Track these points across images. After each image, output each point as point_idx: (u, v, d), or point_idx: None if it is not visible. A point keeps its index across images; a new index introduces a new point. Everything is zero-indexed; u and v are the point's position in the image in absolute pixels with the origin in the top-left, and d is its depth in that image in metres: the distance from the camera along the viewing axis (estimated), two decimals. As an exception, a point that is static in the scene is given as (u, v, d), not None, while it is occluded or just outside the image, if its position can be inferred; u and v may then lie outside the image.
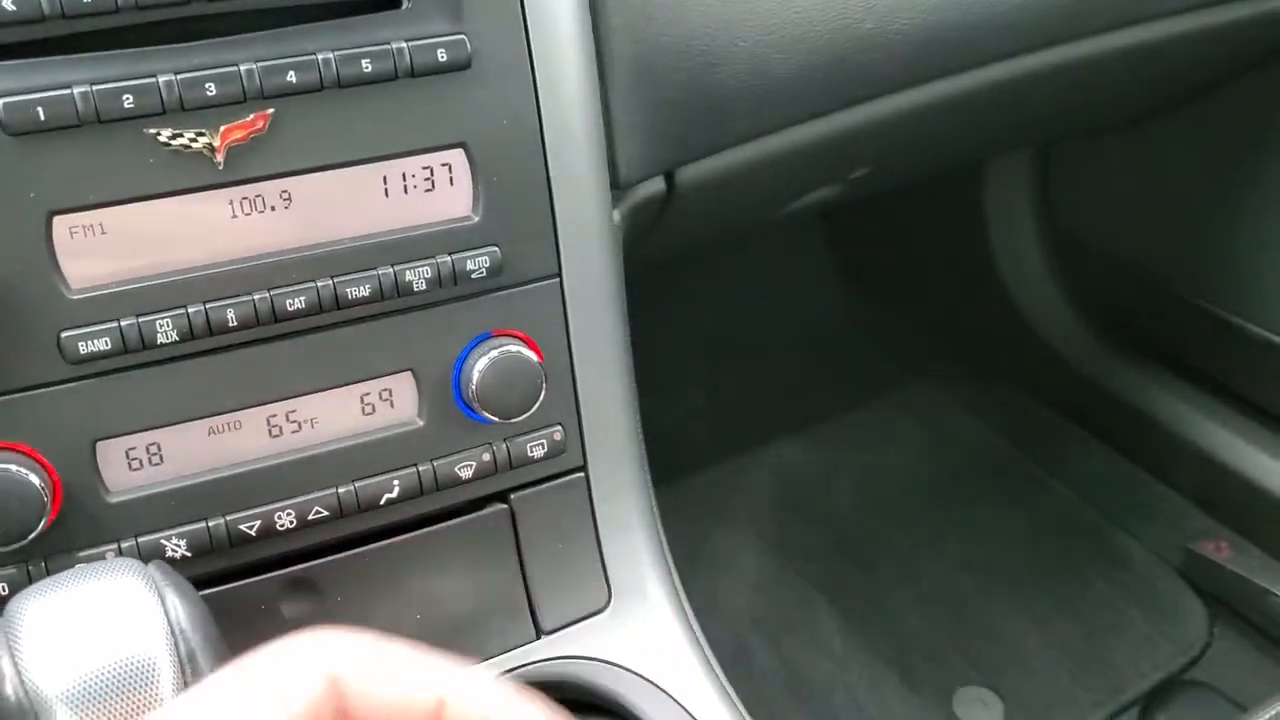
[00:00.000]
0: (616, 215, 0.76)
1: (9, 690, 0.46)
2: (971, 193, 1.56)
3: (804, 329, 1.80)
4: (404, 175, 0.62)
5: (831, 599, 1.46)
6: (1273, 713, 0.92)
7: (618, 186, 0.75)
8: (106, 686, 0.45)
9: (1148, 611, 1.45)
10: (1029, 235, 1.56)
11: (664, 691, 0.68)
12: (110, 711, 0.45)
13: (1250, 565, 1.41)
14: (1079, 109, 1.13)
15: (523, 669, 0.68)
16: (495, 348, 0.65)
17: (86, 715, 0.45)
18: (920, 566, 1.51)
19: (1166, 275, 1.45)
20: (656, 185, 0.81)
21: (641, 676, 0.68)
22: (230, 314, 0.59)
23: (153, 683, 0.46)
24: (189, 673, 0.47)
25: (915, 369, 1.75)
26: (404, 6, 0.60)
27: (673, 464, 1.62)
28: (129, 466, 0.60)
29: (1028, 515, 1.57)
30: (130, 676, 0.46)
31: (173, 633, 0.48)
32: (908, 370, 1.75)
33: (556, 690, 0.68)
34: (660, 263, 1.42)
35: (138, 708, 0.46)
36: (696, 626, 0.76)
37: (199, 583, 0.59)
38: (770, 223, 1.29)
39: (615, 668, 0.68)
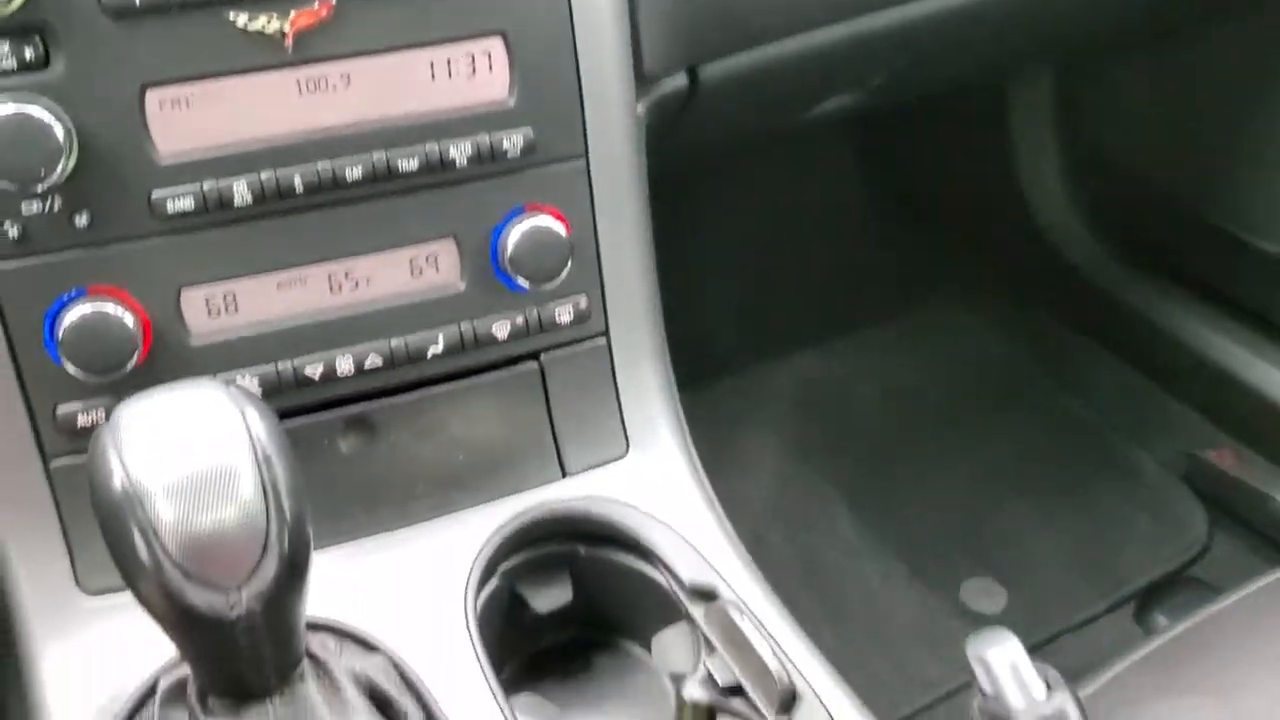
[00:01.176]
0: (640, 107, 0.83)
1: (118, 484, 0.54)
2: (996, 114, 1.61)
3: (831, 242, 1.86)
4: (449, 61, 0.70)
5: (848, 497, 1.54)
6: (1247, 591, 0.98)
7: (642, 79, 0.83)
8: (198, 482, 0.54)
9: (1151, 515, 1.52)
10: (1051, 155, 1.61)
11: (670, 527, 0.76)
12: (200, 502, 0.54)
13: (1252, 472, 1.47)
14: (1096, 22, 1.17)
15: (549, 504, 0.77)
16: (528, 220, 0.73)
17: (180, 504, 0.53)
18: (934, 471, 1.58)
19: (1182, 194, 1.50)
20: (680, 81, 0.88)
21: (652, 515, 0.77)
22: (297, 180, 0.67)
23: (235, 480, 0.55)
24: (265, 473, 0.56)
25: (937, 284, 1.81)
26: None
27: (700, 369, 1.70)
28: (209, 313, 0.69)
29: (1040, 426, 1.64)
30: (217, 474, 0.54)
31: (251, 439, 0.56)
32: (930, 284, 1.81)
33: (577, 523, 0.77)
34: (690, 174, 1.50)
35: (222, 499, 0.54)
36: (703, 475, 0.84)
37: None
38: (793, 128, 1.35)
39: (629, 507, 0.77)
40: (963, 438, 1.63)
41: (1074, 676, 1.35)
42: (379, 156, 0.69)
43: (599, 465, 0.79)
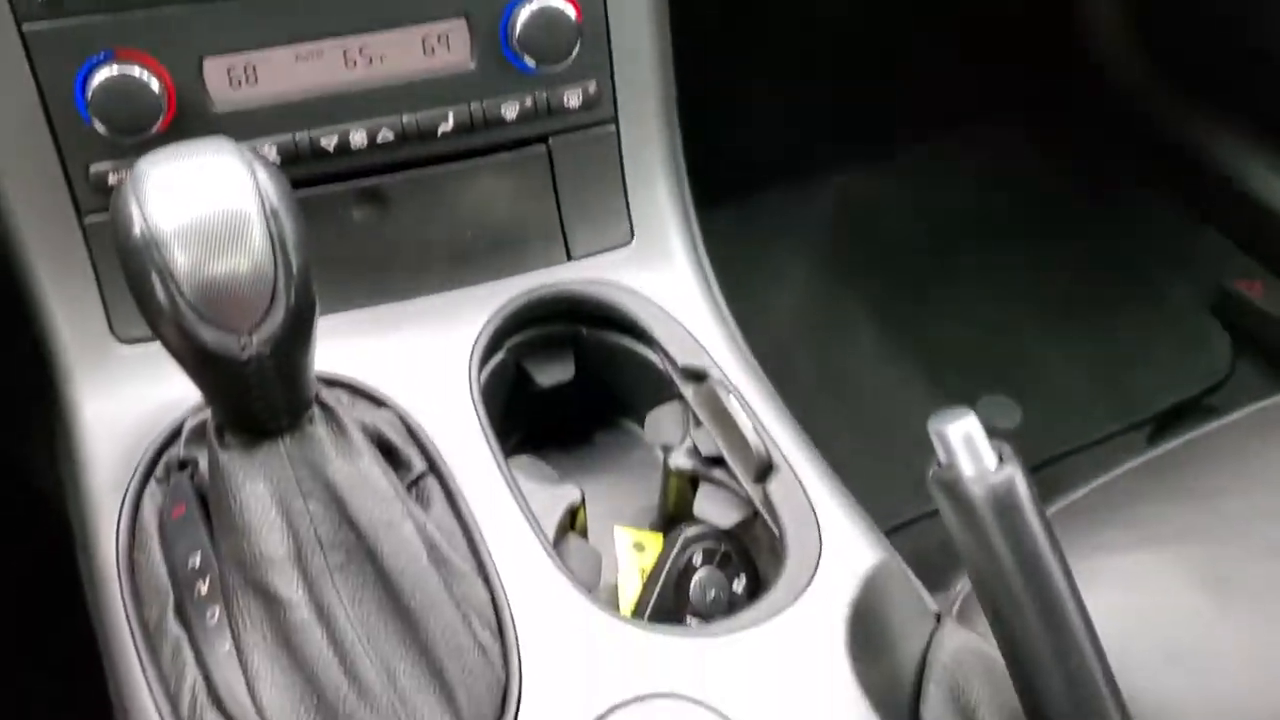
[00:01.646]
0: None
1: (137, 230, 0.59)
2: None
3: (881, 56, 1.83)
4: None
5: (874, 312, 1.56)
6: (1247, 411, 1.00)
7: None
8: (210, 230, 0.58)
9: (1175, 343, 1.54)
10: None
11: (667, 312, 0.80)
12: (212, 249, 0.58)
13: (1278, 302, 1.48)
14: None
15: (554, 285, 0.80)
16: (538, 2, 0.75)
17: (193, 250, 0.58)
18: (963, 291, 1.60)
19: (1237, 18, 1.46)
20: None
21: (651, 301, 0.81)
22: None
23: (246, 230, 0.59)
24: (273, 225, 0.60)
25: (984, 104, 1.79)
26: None
27: (740, 182, 1.71)
28: (230, 83, 0.72)
29: (1075, 251, 1.64)
30: (229, 224, 0.58)
31: (260, 194, 0.60)
32: (977, 105, 1.79)
33: (580, 304, 0.81)
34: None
35: (234, 249, 0.58)
36: (708, 268, 0.87)
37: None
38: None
39: (630, 291, 0.81)
40: (996, 259, 1.64)
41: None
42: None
43: (603, 251, 0.83)
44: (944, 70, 1.84)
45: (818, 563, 0.69)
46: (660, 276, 0.83)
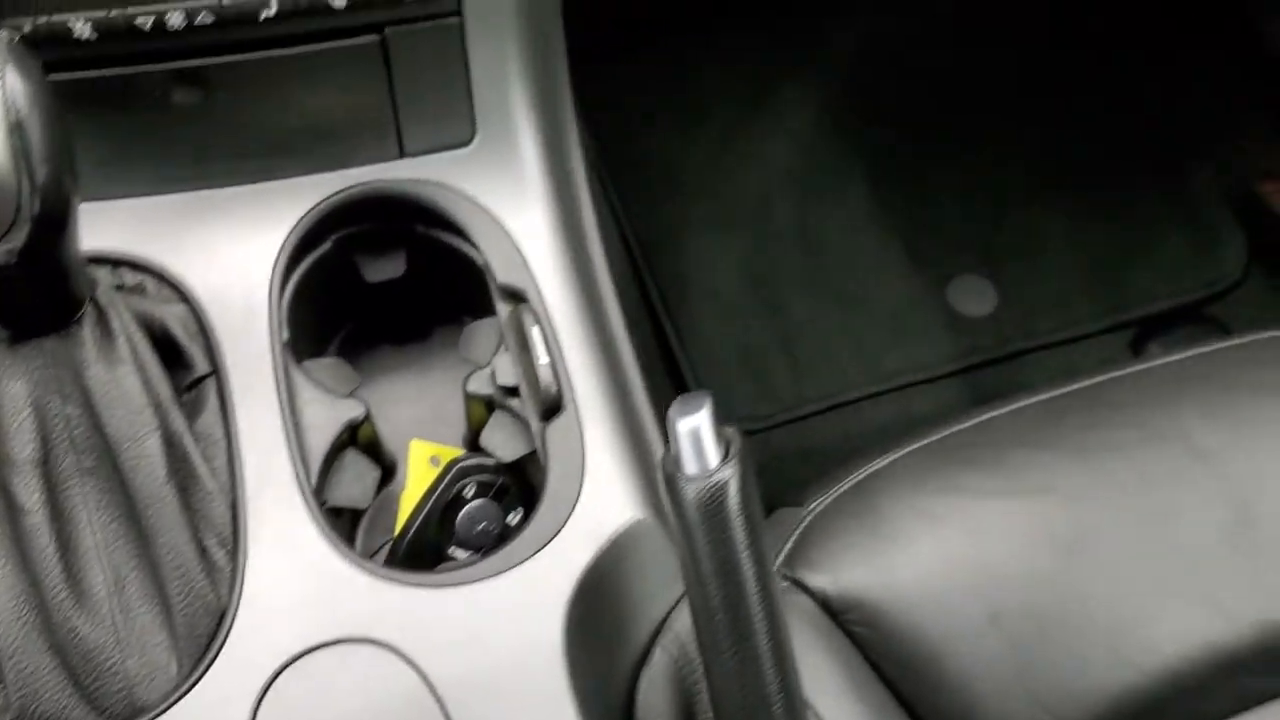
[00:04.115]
0: None
1: None
2: None
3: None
4: None
5: (870, 168, 1.48)
6: (1253, 337, 0.93)
7: None
8: None
9: (1186, 238, 1.43)
10: None
11: (498, 222, 0.77)
12: None
13: (1302, 212, 1.36)
14: None
15: (379, 181, 0.78)
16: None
17: None
18: (976, 150, 1.50)
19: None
20: None
21: (482, 207, 0.77)
22: None
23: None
24: (18, 139, 0.59)
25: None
26: None
27: (761, 11, 1.60)
28: (42, -48, 0.70)
29: (1101, 119, 1.51)
30: None
31: (4, 106, 0.59)
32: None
33: (406, 203, 0.78)
34: None
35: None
36: (577, 175, 0.83)
37: (105, 64, 0.71)
38: None
39: (459, 194, 0.78)
40: (1026, 118, 1.52)
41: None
42: None
43: (441, 149, 0.79)
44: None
45: (568, 517, 0.68)
46: (500, 182, 0.79)
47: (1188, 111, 1.50)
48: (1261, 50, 1.42)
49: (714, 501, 0.55)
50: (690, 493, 0.54)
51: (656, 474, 0.61)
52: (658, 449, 0.75)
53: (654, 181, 1.47)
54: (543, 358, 0.73)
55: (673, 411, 0.56)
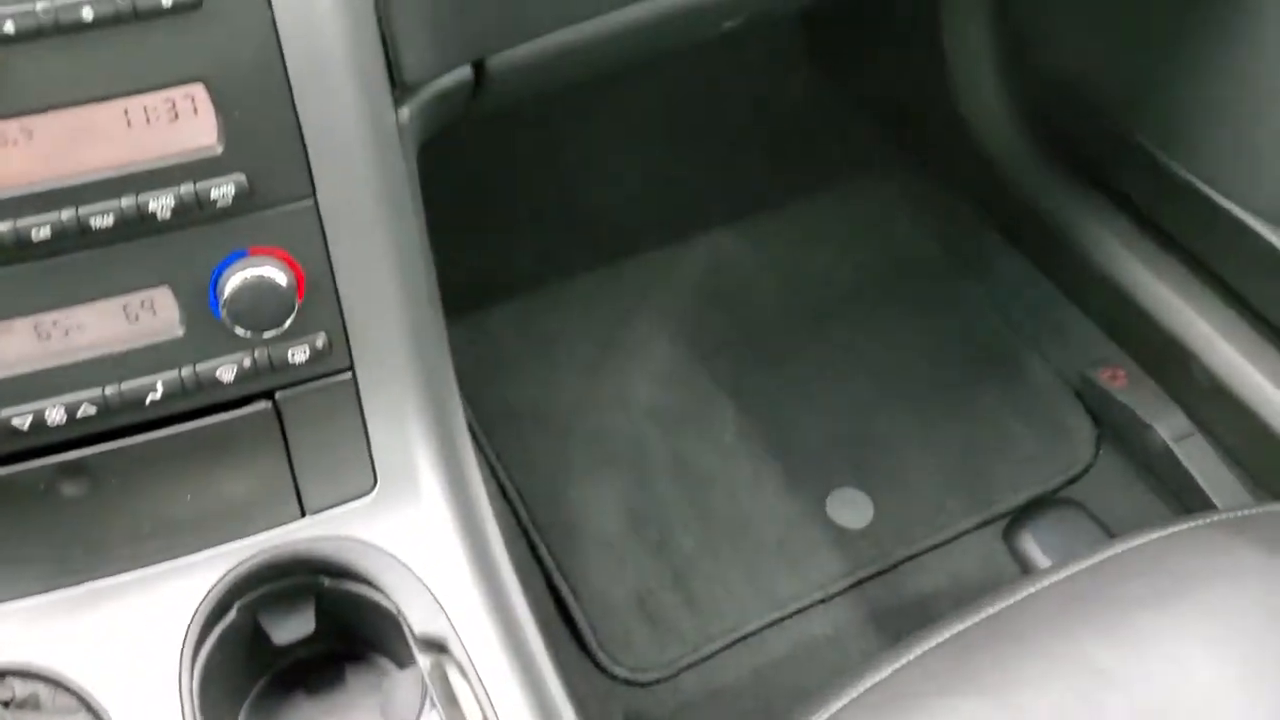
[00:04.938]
0: (405, 112, 0.77)
1: None
2: (929, 3, 1.50)
3: (754, 118, 1.77)
4: (145, 109, 0.64)
5: (733, 395, 1.52)
6: (1129, 545, 0.96)
7: (405, 87, 0.76)
8: None
9: (1037, 430, 1.51)
10: (982, 48, 1.50)
11: (410, 570, 0.76)
12: None
13: (1141, 397, 1.44)
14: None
15: (281, 546, 0.76)
16: (248, 267, 0.69)
17: None
18: (827, 369, 1.56)
19: (1107, 104, 1.40)
20: (462, 74, 0.81)
21: (393, 556, 0.76)
22: None
23: None
24: None
25: (861, 165, 1.73)
26: (127, -50, 0.60)
27: (606, 246, 1.66)
28: (-94, 365, 0.67)
29: (942, 322, 1.60)
30: None
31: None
32: (853, 166, 1.74)
33: (312, 563, 0.76)
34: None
35: None
36: (481, 504, 0.82)
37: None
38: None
39: (368, 546, 0.76)
40: (863, 332, 1.60)
41: (933, 600, 1.38)
42: (68, 215, 0.64)
43: (343, 502, 0.78)
44: (822, 130, 1.79)
45: None
46: (406, 526, 0.78)
47: (1015, 308, 1.60)
48: (1068, 264, 1.53)
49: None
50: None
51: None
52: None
53: (526, 431, 1.48)
54: (473, 716, 0.71)
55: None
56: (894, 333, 1.59)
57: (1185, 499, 1.39)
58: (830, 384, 1.54)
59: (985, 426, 1.51)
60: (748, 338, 1.58)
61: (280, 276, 0.69)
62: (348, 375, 0.76)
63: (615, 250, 1.64)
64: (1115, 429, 1.48)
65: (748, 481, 1.45)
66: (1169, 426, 1.41)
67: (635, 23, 0.84)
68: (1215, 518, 1.00)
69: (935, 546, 1.42)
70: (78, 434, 0.71)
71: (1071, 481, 1.48)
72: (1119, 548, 0.98)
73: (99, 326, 0.69)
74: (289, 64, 0.66)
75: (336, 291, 0.73)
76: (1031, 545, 1.42)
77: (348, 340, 0.75)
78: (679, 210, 1.71)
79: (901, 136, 1.75)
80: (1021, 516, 1.44)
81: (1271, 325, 1.32)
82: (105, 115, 0.64)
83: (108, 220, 0.65)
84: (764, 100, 1.81)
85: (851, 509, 1.44)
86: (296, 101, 0.67)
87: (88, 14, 0.60)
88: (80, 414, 0.70)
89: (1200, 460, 1.39)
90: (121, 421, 0.72)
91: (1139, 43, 1.34)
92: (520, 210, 1.71)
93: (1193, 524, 0.98)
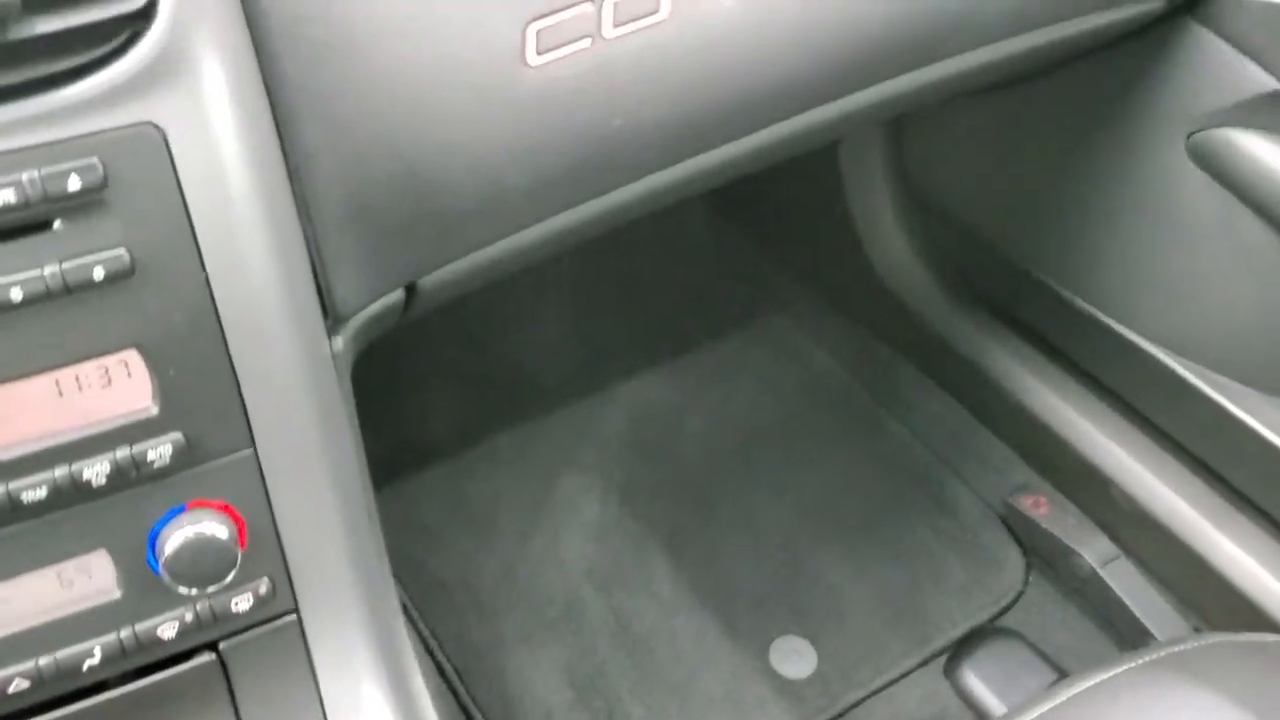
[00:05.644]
0: (339, 341, 0.76)
1: None
2: (828, 148, 1.55)
3: (669, 264, 1.81)
4: (77, 378, 0.63)
5: (668, 545, 1.52)
6: (1087, 685, 0.96)
7: (338, 317, 0.76)
8: None
9: (967, 560, 1.53)
10: (882, 193, 1.55)
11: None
12: None
13: (1064, 524, 1.48)
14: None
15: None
16: (187, 524, 0.67)
17: None
18: (758, 510, 1.57)
19: (1004, 243, 1.45)
20: (394, 296, 0.81)
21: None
22: None
23: None
24: None
25: (776, 307, 1.77)
26: (55, 228, 0.59)
27: (525, 403, 1.66)
28: None
29: (867, 457, 1.63)
30: None
31: None
32: (768, 307, 1.77)
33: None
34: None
35: None
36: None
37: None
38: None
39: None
40: (789, 469, 1.61)
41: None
42: (-1, 491, 0.62)
43: (294, 736, 0.75)
44: (735, 274, 1.82)
45: None
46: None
47: (936, 437, 1.63)
48: (982, 394, 1.57)
49: None
50: None
51: None
52: None
53: (459, 604, 1.45)
54: None
55: None
56: (821, 466, 1.61)
57: (1117, 623, 1.42)
58: (763, 524, 1.55)
59: (917, 558, 1.52)
60: (677, 484, 1.58)
61: (221, 530, 0.67)
62: (293, 617, 0.74)
63: (535, 407, 1.64)
64: (1043, 555, 1.51)
65: (690, 636, 1.44)
66: (1094, 551, 1.44)
67: (575, 224, 0.85)
68: (1158, 654, 1.01)
69: (880, 689, 1.42)
70: (9, 710, 0.68)
71: (1005, 610, 1.50)
72: (1066, 694, 0.99)
73: (30, 597, 0.66)
74: (223, 319, 0.65)
75: (279, 537, 0.71)
76: (973, 680, 1.42)
77: (291, 583, 0.73)
78: (596, 359, 1.72)
79: (808, 273, 1.78)
80: (960, 651, 1.45)
81: (1183, 448, 1.37)
82: (35, 388, 0.62)
83: (40, 493, 0.63)
84: (670, 241, 1.84)
85: (795, 658, 1.43)
86: (232, 353, 0.66)
87: (16, 295, 0.59)
88: (12, 689, 0.67)
89: (1128, 583, 1.42)
90: (60, 690, 0.68)
91: (1027, 186, 1.40)
92: (433, 370, 1.70)
93: (1137, 662, 0.99)
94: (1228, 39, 1.08)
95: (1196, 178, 1.17)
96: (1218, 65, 1.09)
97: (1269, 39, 1.05)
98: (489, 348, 1.71)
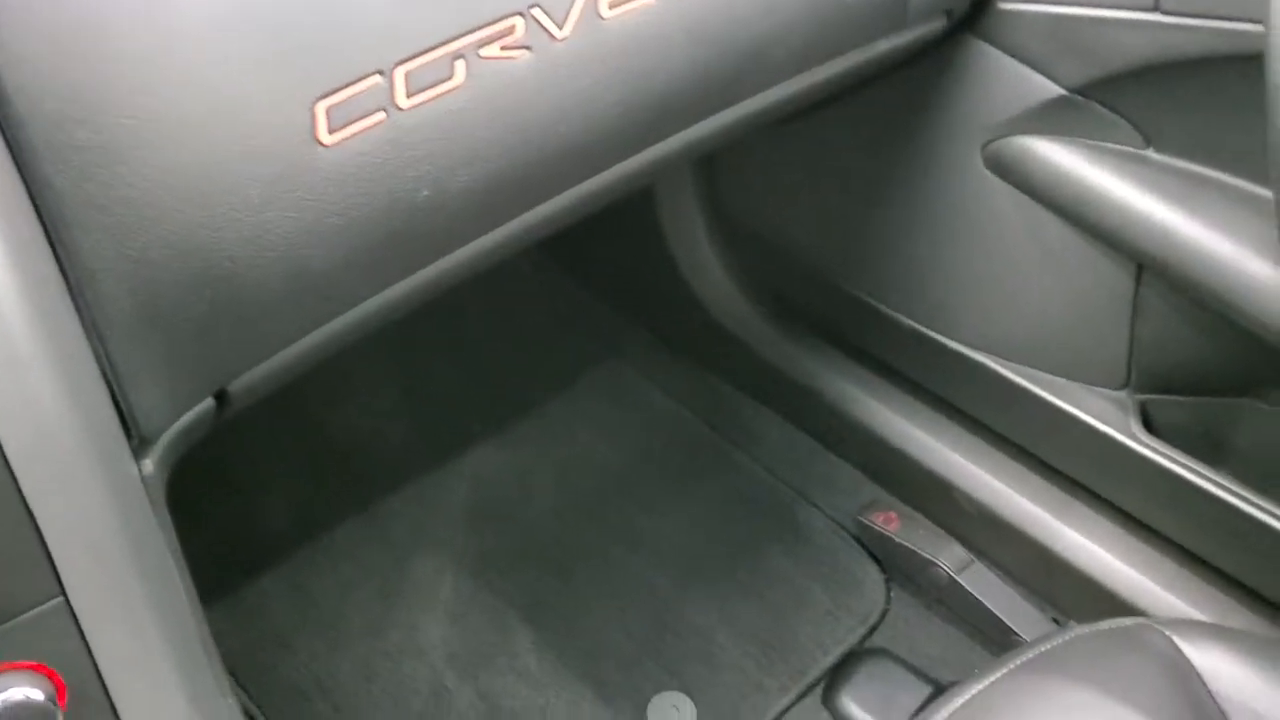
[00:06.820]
0: (148, 464, 0.70)
1: None
2: (644, 188, 1.54)
3: (501, 319, 1.77)
4: None
5: (528, 616, 1.47)
6: (964, 698, 0.95)
7: (143, 438, 0.70)
8: None
9: (828, 584, 1.53)
10: (699, 226, 1.56)
11: None
12: None
13: (916, 536, 1.49)
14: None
15: None
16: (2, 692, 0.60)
17: None
18: (616, 565, 1.54)
19: (822, 265, 1.47)
20: (203, 405, 0.75)
21: None
22: None
23: None
24: None
25: (610, 351, 1.75)
26: None
27: (366, 482, 1.59)
28: None
29: (718, 495, 1.61)
30: None
31: None
32: (603, 353, 1.75)
33: None
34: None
35: None
36: None
37: None
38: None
39: None
40: (642, 518, 1.59)
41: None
42: None
43: None
44: (565, 318, 1.80)
45: None
46: None
47: (781, 465, 1.63)
48: (817, 415, 1.58)
49: None
50: None
51: None
52: None
53: (316, 711, 1.37)
54: None
55: None
56: (673, 511, 1.59)
57: (982, 626, 1.44)
58: (623, 580, 1.52)
59: (780, 589, 1.52)
60: (531, 550, 1.54)
61: (36, 693, 0.60)
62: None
63: (373, 486, 1.57)
64: (901, 569, 1.52)
65: (564, 708, 1.40)
66: (949, 559, 1.46)
67: (393, 301, 0.81)
68: (1026, 656, 1.02)
69: (763, 732, 1.40)
70: None
71: (873, 630, 1.50)
72: (944, 712, 0.99)
73: None
74: (11, 460, 0.58)
75: (105, 689, 0.64)
76: (852, 706, 1.42)
77: (123, 727, 0.66)
78: (432, 428, 1.67)
79: (637, 315, 1.78)
80: (836, 678, 1.45)
81: (1018, 446, 1.40)
82: None
83: None
84: (497, 296, 1.80)
85: (674, 714, 1.40)
86: (27, 496, 0.59)
87: None
88: None
89: (984, 586, 1.44)
90: None
91: (835, 207, 1.42)
92: (259, 455, 1.62)
93: (1007, 668, 1.00)
94: (1009, 52, 1.11)
95: (996, 186, 1.21)
96: (1003, 77, 1.13)
97: (1045, 47, 1.09)
98: (316, 425, 1.64)
